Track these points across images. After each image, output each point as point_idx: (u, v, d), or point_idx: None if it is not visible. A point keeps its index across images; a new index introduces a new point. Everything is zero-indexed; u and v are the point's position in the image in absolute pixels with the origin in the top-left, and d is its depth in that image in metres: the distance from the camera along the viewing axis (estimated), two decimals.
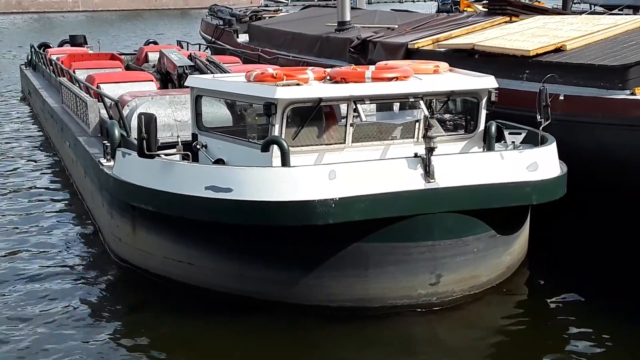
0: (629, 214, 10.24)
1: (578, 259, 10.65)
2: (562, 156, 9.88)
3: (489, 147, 10.13)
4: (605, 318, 9.01)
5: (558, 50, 11.96)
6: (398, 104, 10.36)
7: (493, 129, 10.11)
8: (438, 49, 14.18)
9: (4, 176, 16.27)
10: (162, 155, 9.72)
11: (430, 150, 8.89)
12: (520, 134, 10.24)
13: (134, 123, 10.64)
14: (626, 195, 10.22)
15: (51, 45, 26.86)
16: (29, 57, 27.16)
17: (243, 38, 24.99)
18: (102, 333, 8.89)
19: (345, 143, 9.55)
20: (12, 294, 9.96)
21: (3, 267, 10.92)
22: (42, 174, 16.50)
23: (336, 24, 19.11)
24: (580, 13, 18.67)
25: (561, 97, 10.82)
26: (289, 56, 19.27)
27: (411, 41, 14.73)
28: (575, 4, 22.89)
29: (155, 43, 26.14)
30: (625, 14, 18.27)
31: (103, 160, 10.97)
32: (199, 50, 22.95)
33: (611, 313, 9.10)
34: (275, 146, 9.02)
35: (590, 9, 24.36)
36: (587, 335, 8.70)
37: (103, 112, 13.14)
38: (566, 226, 10.87)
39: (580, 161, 10.15)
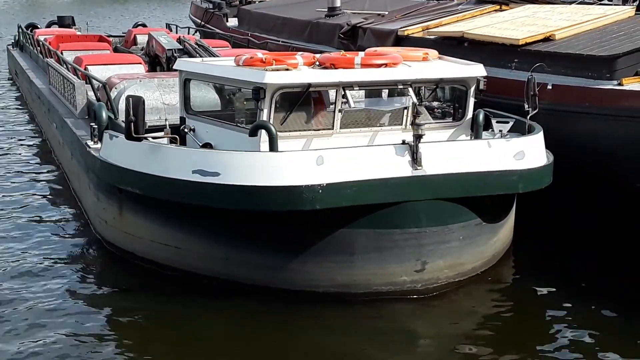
0: (614, 203, 10.31)
1: (563, 248, 10.72)
2: (549, 145, 9.92)
3: (476, 135, 10.15)
4: (589, 305, 9.08)
5: (547, 39, 11.99)
6: (387, 90, 10.38)
7: (481, 117, 10.13)
8: (428, 37, 14.19)
9: None
10: (150, 139, 9.69)
11: (418, 137, 8.90)
12: (507, 122, 10.26)
13: (121, 105, 10.59)
14: (612, 184, 10.29)
15: (39, 26, 26.69)
16: (17, 38, 26.95)
17: (233, 22, 24.88)
18: (87, 316, 8.87)
19: (333, 129, 9.55)
20: None
21: None
22: (28, 155, 16.43)
23: (326, 10, 19.05)
24: (570, 3, 18.64)
25: (549, 87, 10.86)
26: (279, 41, 19.22)
27: (401, 28, 14.72)
28: None
29: (144, 26, 25.96)
30: (615, 5, 18.28)
31: (90, 143, 10.92)
32: (188, 33, 22.84)
33: (595, 300, 9.18)
34: (263, 131, 9.02)
35: None
36: (571, 322, 8.77)
37: (90, 94, 13.08)
38: (552, 215, 10.93)
39: (567, 150, 10.19)
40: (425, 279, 9.19)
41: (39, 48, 20.76)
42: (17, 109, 21.82)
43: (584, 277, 9.89)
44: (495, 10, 14.86)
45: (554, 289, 9.65)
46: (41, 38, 20.87)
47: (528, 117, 9.86)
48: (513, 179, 9.35)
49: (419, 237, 9.06)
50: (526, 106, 9.78)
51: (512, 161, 9.32)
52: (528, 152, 9.45)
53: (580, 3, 17.96)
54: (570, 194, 10.59)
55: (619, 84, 10.43)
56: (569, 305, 9.18)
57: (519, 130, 10.09)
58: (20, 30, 26.34)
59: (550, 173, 9.72)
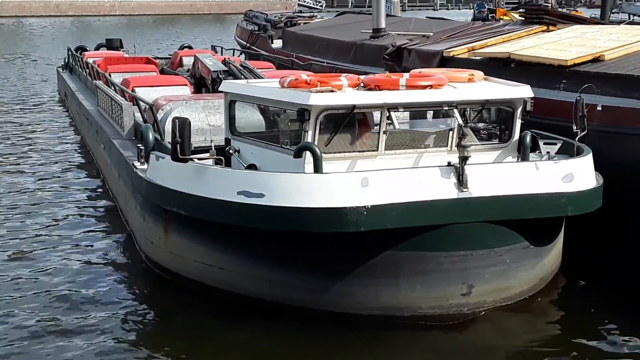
0: None
1: (613, 273, 10.48)
2: (598, 167, 9.74)
3: (523, 157, 10.01)
4: (638, 333, 8.84)
5: (596, 60, 11.82)
6: (432, 112, 10.30)
7: (528, 138, 9.99)
8: (473, 57, 14.09)
9: (41, 177, 16.46)
10: (195, 160, 9.74)
11: (463, 159, 8.81)
12: (555, 144, 10.12)
13: (168, 127, 10.69)
14: None
15: (88, 49, 27.16)
16: (66, 60, 27.47)
17: (277, 44, 25.06)
18: (131, 336, 8.94)
19: (378, 150, 9.51)
20: (42, 294, 10.02)
21: (36, 266, 11.02)
22: (77, 175, 16.66)
23: (371, 31, 19.09)
24: (619, 23, 18.43)
25: (599, 108, 10.68)
26: (323, 62, 19.28)
27: (446, 49, 14.65)
28: (613, 13, 22.62)
29: (189, 47, 26.32)
30: None
31: (137, 164, 11.03)
32: (233, 55, 23.04)
33: None
34: (308, 152, 9.00)
35: (629, 18, 24.08)
36: (619, 351, 8.54)
37: (137, 115, 13.24)
38: (602, 239, 10.70)
39: (618, 173, 9.99)
40: (472, 302, 9.06)
41: (87, 70, 21.14)
42: (66, 130, 22.21)
43: (634, 303, 9.64)
44: (543, 31, 14.71)
45: (603, 315, 9.41)
46: (90, 60, 21.26)
47: (577, 139, 9.70)
48: (561, 202, 9.19)
49: (465, 260, 8.93)
50: (574, 127, 9.63)
51: (561, 183, 9.17)
52: (577, 175, 9.29)
53: (629, 23, 17.71)
54: (621, 217, 10.36)
55: None
56: (618, 332, 8.96)
57: (567, 152, 9.93)
58: (69, 52, 26.86)
59: (600, 196, 9.53)
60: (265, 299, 9.26)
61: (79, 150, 19.23)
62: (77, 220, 13.33)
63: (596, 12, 22.86)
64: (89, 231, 12.70)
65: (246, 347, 8.69)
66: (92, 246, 11.95)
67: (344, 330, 8.83)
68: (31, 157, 18.61)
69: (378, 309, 8.96)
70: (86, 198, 14.79)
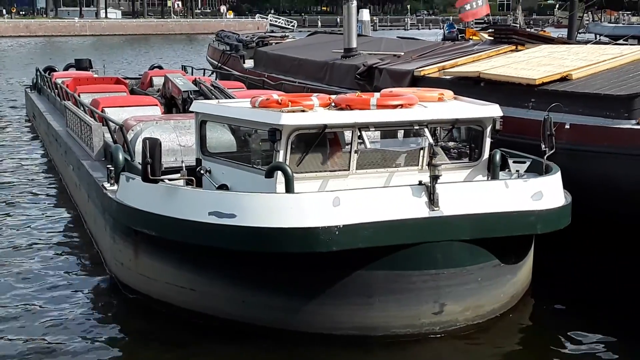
0: (634, 244, 10.17)
1: (583, 289, 10.56)
2: (567, 185, 9.83)
3: (493, 175, 10.08)
4: (610, 348, 8.92)
5: (564, 79, 11.97)
6: (402, 131, 10.34)
7: (497, 157, 10.07)
8: (444, 77, 14.20)
9: (7, 198, 16.25)
10: (166, 180, 9.69)
11: (434, 178, 8.85)
12: (524, 162, 10.21)
13: (138, 147, 10.62)
14: (631, 225, 10.16)
15: (57, 69, 26.98)
16: (34, 81, 27.26)
17: (249, 63, 25.08)
18: (101, 358, 8.80)
19: (349, 170, 9.52)
20: (11, 318, 9.86)
21: (2, 288, 10.84)
22: (45, 197, 16.47)
23: (342, 51, 19.17)
24: (586, 43, 18.69)
25: (567, 126, 10.80)
26: (295, 82, 19.32)
27: (417, 68, 14.75)
28: (580, 33, 22.94)
29: (160, 67, 26.24)
30: (631, 44, 18.31)
31: (106, 184, 10.94)
32: (204, 75, 23.03)
33: (615, 344, 9.01)
34: (279, 172, 8.99)
35: (596, 38, 24.45)
36: None
37: (107, 136, 13.14)
38: (571, 256, 10.80)
39: (586, 191, 10.09)
40: (444, 321, 9.07)
41: (56, 91, 20.96)
42: (34, 151, 21.98)
43: (603, 319, 9.71)
44: (511, 51, 14.88)
45: (574, 332, 9.46)
46: (59, 81, 21.09)
47: (545, 157, 9.79)
48: (531, 220, 9.26)
49: (436, 279, 8.95)
50: (543, 146, 9.72)
51: (530, 202, 9.24)
52: (546, 193, 9.37)
53: (596, 43, 17.97)
54: (589, 234, 10.46)
55: (638, 124, 10.37)
56: (589, 349, 9.01)
57: (536, 170, 10.02)
58: (38, 73, 26.65)
59: (569, 213, 9.62)
60: (238, 320, 9.20)
61: (47, 171, 19.02)
62: (44, 241, 13.15)
63: (563, 32, 23.21)
64: (56, 253, 12.53)
65: None
66: (60, 267, 11.78)
67: (317, 351, 8.79)
68: None
69: (351, 328, 8.94)
70: (54, 219, 14.61)
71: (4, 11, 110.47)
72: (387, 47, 19.65)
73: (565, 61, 12.83)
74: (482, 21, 47.36)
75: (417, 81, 14.36)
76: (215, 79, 20.87)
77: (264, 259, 8.82)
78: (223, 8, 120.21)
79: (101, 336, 9.40)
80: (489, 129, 10.06)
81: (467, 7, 24.80)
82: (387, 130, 10.16)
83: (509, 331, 9.49)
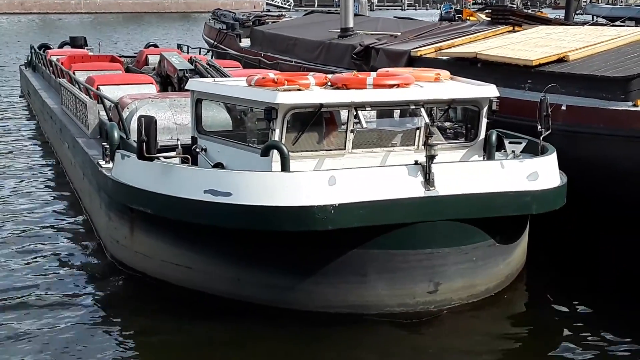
0: (628, 225, 10.20)
1: (577, 269, 10.61)
2: (562, 166, 9.85)
3: (489, 156, 10.09)
4: (603, 327, 8.99)
5: (561, 60, 11.94)
6: (399, 111, 10.34)
7: (493, 137, 10.08)
8: (440, 57, 14.17)
9: (1, 176, 16.22)
10: (162, 158, 9.67)
11: (430, 157, 8.86)
12: (520, 143, 10.21)
13: (133, 125, 10.60)
14: (626, 205, 10.19)
15: (51, 46, 26.84)
16: (29, 58, 27.13)
17: (246, 42, 24.99)
18: (96, 336, 8.83)
19: (345, 149, 9.52)
20: (6, 296, 9.88)
21: None
22: (40, 174, 16.45)
23: (339, 30, 19.11)
24: (583, 24, 18.66)
25: (563, 107, 10.80)
26: (291, 61, 19.26)
27: (414, 49, 14.71)
28: (577, 14, 22.85)
29: (155, 46, 26.15)
30: (628, 26, 18.26)
31: (102, 162, 10.93)
32: (199, 54, 22.94)
33: (610, 322, 9.09)
34: (275, 151, 8.98)
35: (593, 20, 24.37)
36: (585, 344, 8.66)
37: (102, 114, 13.11)
38: (565, 236, 10.83)
39: (581, 171, 10.11)
40: (438, 300, 9.11)
41: (51, 68, 20.87)
42: (28, 128, 21.90)
43: (597, 298, 9.78)
44: (509, 32, 14.84)
45: (567, 311, 9.56)
46: (54, 58, 20.99)
47: (541, 138, 9.80)
48: (526, 200, 9.28)
49: (431, 258, 8.98)
50: (539, 127, 9.72)
51: (526, 182, 9.26)
52: (541, 173, 9.39)
53: (593, 24, 17.94)
54: (584, 215, 10.49)
55: (634, 105, 10.37)
56: (583, 326, 9.10)
57: (532, 151, 10.03)
58: (32, 50, 26.51)
59: (564, 194, 9.64)
60: (233, 298, 9.22)
61: (42, 149, 18.97)
62: (40, 219, 13.15)
63: (561, 14, 23.10)
64: (52, 231, 12.53)
65: (213, 345, 8.65)
66: (55, 246, 11.79)
67: (311, 328, 8.83)
68: None
69: (345, 306, 8.98)
70: (49, 197, 14.60)
71: None
72: (384, 27, 19.61)
73: (562, 42, 12.80)
74: (480, 2, 47.18)
75: (414, 61, 14.33)
76: (211, 58, 20.79)
77: (259, 237, 8.83)
78: None
79: (96, 314, 9.43)
80: (485, 109, 10.05)
81: None
82: (383, 110, 10.14)
83: (503, 311, 9.54)
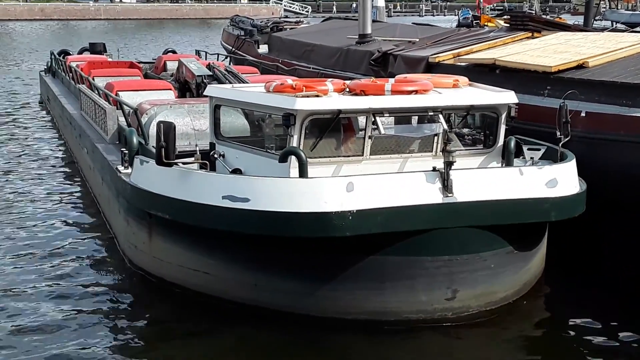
0: None
1: (596, 277, 10.52)
2: (581, 173, 9.79)
3: (507, 162, 10.05)
4: (625, 336, 8.91)
5: (580, 67, 11.88)
6: (417, 117, 10.32)
7: (512, 144, 10.04)
8: (459, 63, 14.13)
9: (22, 181, 16.35)
10: (180, 164, 9.71)
11: (448, 164, 8.83)
12: (539, 150, 10.16)
13: (152, 131, 10.65)
14: None
15: (71, 53, 27.02)
16: (49, 64, 27.32)
17: (264, 49, 25.04)
18: (114, 341, 8.87)
19: (363, 155, 9.51)
20: (25, 300, 9.94)
21: (17, 272, 10.92)
22: (59, 180, 16.55)
23: (357, 37, 19.11)
24: (602, 30, 18.55)
25: (583, 114, 10.73)
26: (309, 67, 19.27)
27: (432, 55, 14.68)
28: (596, 21, 22.76)
29: (173, 52, 26.24)
30: None
31: (121, 168, 10.98)
32: (217, 60, 23.01)
33: (633, 331, 8.99)
34: (293, 157, 8.99)
35: (612, 25, 24.25)
36: (603, 354, 8.58)
37: (121, 119, 13.17)
38: (584, 244, 10.75)
39: (601, 179, 10.04)
40: (456, 307, 9.07)
41: (71, 74, 21.02)
42: (48, 134, 22.07)
43: (616, 308, 9.69)
44: (527, 38, 14.77)
45: (586, 319, 9.45)
46: (73, 64, 21.14)
47: (560, 145, 9.75)
48: (545, 207, 9.23)
49: (449, 265, 8.95)
50: (558, 133, 9.67)
51: (544, 189, 9.20)
52: (560, 180, 9.33)
53: (613, 30, 17.83)
54: (604, 222, 10.41)
55: None
56: (602, 335, 9.00)
57: (551, 157, 9.98)
58: (52, 56, 26.70)
59: (583, 201, 9.57)
60: (250, 304, 9.23)
61: (61, 154, 19.10)
62: (59, 224, 13.23)
63: (579, 20, 23.03)
64: (70, 235, 12.60)
65: (231, 352, 8.66)
66: (74, 251, 11.85)
67: (329, 335, 8.82)
68: (12, 160, 18.48)
69: (363, 313, 8.96)
70: (68, 202, 14.69)
71: None
72: (402, 34, 19.57)
73: (581, 49, 12.73)
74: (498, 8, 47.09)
75: (432, 68, 14.29)
76: (229, 64, 20.86)
77: (277, 243, 8.83)
78: None
79: (113, 318, 9.46)
80: (503, 115, 10.01)
81: None
82: (402, 116, 10.12)
83: (521, 318, 9.48)
